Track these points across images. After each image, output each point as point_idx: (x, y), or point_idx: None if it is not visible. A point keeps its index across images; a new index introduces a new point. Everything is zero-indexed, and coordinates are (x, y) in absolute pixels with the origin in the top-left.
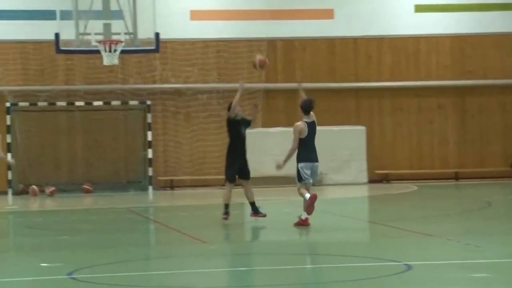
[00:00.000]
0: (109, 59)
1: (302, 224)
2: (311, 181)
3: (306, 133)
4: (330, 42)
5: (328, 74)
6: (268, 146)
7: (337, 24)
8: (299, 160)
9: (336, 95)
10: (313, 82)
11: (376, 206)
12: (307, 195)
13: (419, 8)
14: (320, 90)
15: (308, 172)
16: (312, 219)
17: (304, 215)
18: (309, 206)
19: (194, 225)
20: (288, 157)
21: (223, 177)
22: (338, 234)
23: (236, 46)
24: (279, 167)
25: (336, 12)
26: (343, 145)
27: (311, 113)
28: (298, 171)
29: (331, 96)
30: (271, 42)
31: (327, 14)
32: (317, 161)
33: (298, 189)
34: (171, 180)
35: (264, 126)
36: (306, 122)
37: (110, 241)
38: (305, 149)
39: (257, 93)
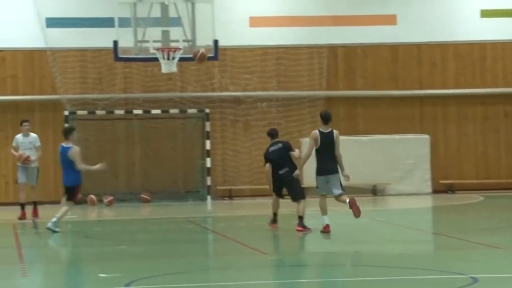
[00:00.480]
0: (168, 66)
1: (324, 231)
2: (323, 193)
3: (319, 143)
4: (393, 49)
5: (390, 82)
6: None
7: (400, 30)
8: (316, 172)
9: (399, 103)
10: (375, 89)
11: (440, 217)
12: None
13: (485, 13)
14: (382, 98)
15: (323, 185)
16: (374, 229)
17: (325, 221)
18: (354, 209)
19: (253, 235)
20: (301, 164)
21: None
22: (401, 245)
23: (296, 53)
24: (297, 176)
25: (399, 18)
26: (406, 154)
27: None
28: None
29: (393, 104)
30: (332, 49)
31: (390, 20)
32: (332, 172)
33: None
34: (230, 190)
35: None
36: (321, 132)
37: (169, 251)
38: (319, 160)
39: (318, 101)
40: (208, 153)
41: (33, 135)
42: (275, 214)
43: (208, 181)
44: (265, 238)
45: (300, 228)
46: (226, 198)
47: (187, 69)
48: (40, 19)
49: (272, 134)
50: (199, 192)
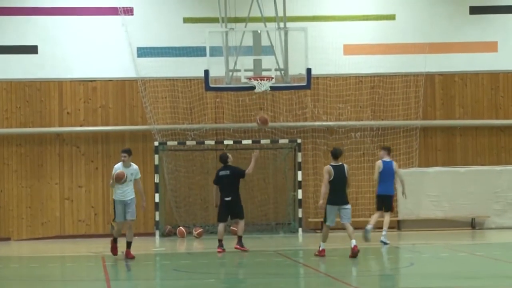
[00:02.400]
0: (261, 86)
1: (319, 255)
2: (332, 224)
3: (333, 175)
4: (493, 77)
5: (490, 111)
6: (425, 187)
7: (501, 57)
8: (327, 202)
9: (499, 133)
10: (475, 118)
11: None
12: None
13: None
14: (482, 128)
15: (332, 215)
16: (473, 264)
17: (322, 246)
18: (354, 249)
19: (346, 269)
20: (322, 197)
21: (378, 219)
22: (501, 280)
23: (392, 81)
24: (320, 208)
25: (500, 44)
26: (507, 186)
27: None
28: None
29: (494, 134)
30: (429, 77)
31: (491, 47)
32: (344, 203)
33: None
34: (322, 222)
35: (420, 165)
36: (333, 165)
37: (258, 285)
38: (332, 191)
39: (413, 131)
40: (299, 184)
41: (134, 166)
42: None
43: (300, 213)
44: (358, 272)
45: (237, 247)
46: (318, 231)
47: (279, 99)
48: (131, 49)
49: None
50: (290, 224)
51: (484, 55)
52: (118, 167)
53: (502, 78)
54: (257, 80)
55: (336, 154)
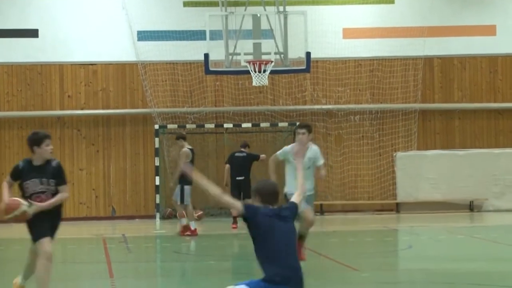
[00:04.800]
0: (259, 80)
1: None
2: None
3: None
4: (492, 60)
5: (489, 94)
6: (424, 170)
7: (500, 41)
8: (185, 183)
9: (497, 116)
10: (473, 102)
11: None
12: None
13: None
14: (480, 111)
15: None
16: (471, 247)
17: (193, 226)
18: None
19: (345, 251)
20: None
21: (377, 201)
22: (498, 263)
23: (391, 65)
24: None
25: (498, 28)
26: (506, 169)
27: None
28: None
29: (492, 117)
30: (428, 60)
31: (489, 30)
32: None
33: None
34: (321, 205)
35: (419, 148)
36: None
37: (256, 267)
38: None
39: (412, 114)
40: None
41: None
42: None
43: None
44: (357, 255)
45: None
46: (317, 213)
47: (278, 82)
48: (131, 32)
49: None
50: None
51: (483, 39)
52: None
53: (501, 61)
54: (256, 70)
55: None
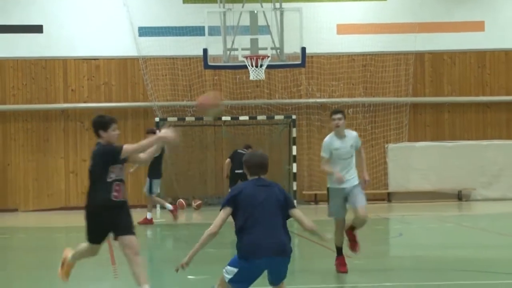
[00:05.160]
0: (256, 74)
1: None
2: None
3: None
4: (481, 55)
5: (477, 88)
6: (414, 161)
7: (488, 37)
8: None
9: (486, 109)
10: (462, 95)
11: None
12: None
13: None
14: (469, 104)
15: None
16: (460, 235)
17: (149, 215)
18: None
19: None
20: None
21: (369, 191)
22: (486, 250)
23: (383, 60)
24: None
25: (487, 24)
26: (493, 160)
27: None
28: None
29: (480, 110)
30: (419, 55)
31: (478, 26)
32: None
33: None
34: (315, 195)
35: (410, 140)
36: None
37: None
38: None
39: (404, 107)
40: (294, 159)
41: None
42: None
43: (294, 186)
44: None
45: None
46: (312, 203)
47: (274, 76)
48: (133, 28)
49: None
50: None
51: (472, 34)
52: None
53: (489, 56)
54: (253, 65)
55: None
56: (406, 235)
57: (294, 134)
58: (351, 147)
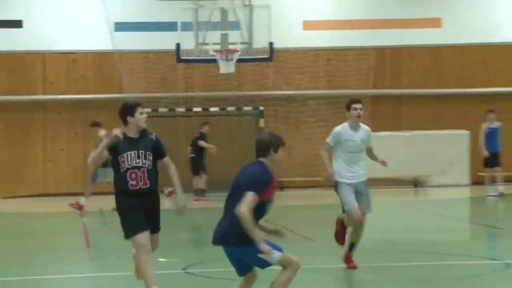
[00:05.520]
0: (226, 67)
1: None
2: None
3: None
4: (437, 50)
5: (434, 81)
6: (374, 150)
7: (445, 33)
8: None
9: (442, 101)
10: (419, 88)
11: (477, 207)
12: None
13: None
14: (426, 96)
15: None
16: (416, 219)
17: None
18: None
19: (303, 224)
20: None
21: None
22: (439, 233)
23: (345, 54)
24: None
25: (444, 20)
26: (447, 149)
27: None
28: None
29: (436, 102)
30: (380, 50)
31: (435, 22)
32: None
33: None
34: (282, 181)
35: (371, 130)
36: None
37: None
38: None
39: (365, 99)
40: None
41: None
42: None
43: None
44: (313, 226)
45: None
46: (278, 189)
47: (243, 70)
48: (109, 23)
49: None
50: None
51: (430, 31)
52: None
53: (445, 51)
54: (223, 59)
55: None
56: (367, 219)
57: (261, 125)
58: (362, 142)
